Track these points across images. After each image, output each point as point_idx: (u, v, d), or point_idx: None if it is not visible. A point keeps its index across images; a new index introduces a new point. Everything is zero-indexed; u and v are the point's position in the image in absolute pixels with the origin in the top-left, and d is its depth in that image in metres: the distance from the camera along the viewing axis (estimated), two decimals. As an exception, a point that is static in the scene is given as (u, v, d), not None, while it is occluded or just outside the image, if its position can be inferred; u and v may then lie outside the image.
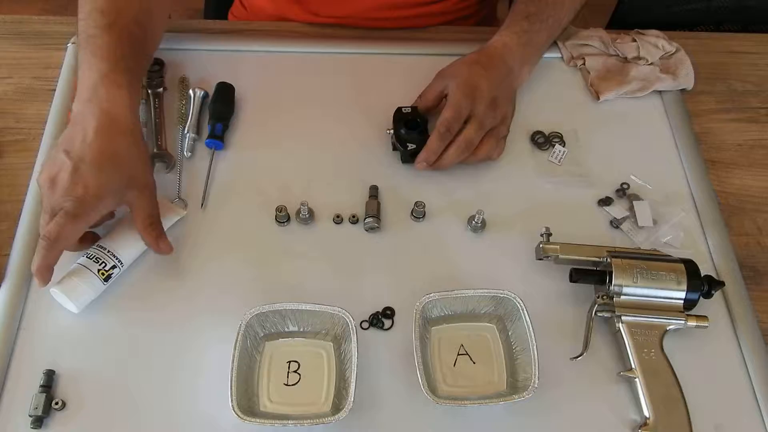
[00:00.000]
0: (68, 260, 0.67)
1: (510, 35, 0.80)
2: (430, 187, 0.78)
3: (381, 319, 0.69)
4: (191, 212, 0.75)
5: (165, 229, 0.69)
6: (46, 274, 0.63)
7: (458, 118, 0.74)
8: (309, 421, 0.60)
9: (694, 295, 0.67)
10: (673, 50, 0.90)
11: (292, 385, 0.65)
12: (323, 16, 0.91)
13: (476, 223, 0.74)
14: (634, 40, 0.90)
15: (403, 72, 0.86)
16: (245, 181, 0.77)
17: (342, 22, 0.91)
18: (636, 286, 0.67)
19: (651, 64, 0.88)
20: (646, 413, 0.64)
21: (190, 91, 0.82)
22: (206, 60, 0.86)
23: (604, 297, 0.68)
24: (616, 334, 0.68)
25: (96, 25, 0.69)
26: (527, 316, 0.64)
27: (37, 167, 0.76)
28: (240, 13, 1.04)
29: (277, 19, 0.95)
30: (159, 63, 0.85)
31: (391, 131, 0.77)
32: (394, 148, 0.80)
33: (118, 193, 0.65)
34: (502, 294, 0.66)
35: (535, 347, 0.63)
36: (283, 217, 0.74)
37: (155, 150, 0.78)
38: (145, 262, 0.71)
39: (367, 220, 0.73)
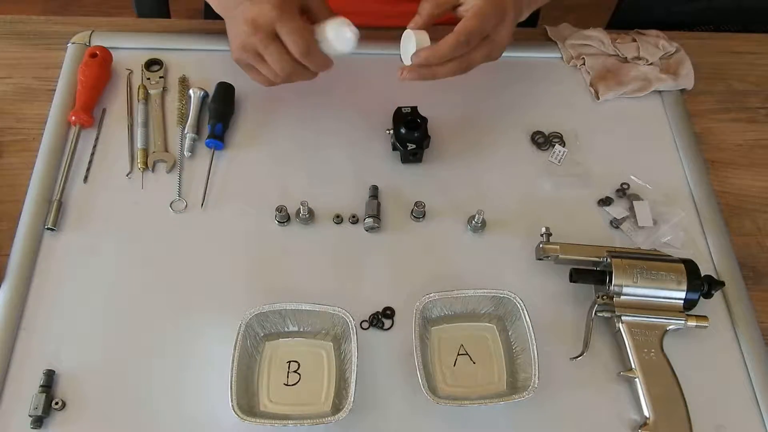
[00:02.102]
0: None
1: None
2: (430, 187, 0.78)
3: (381, 319, 0.69)
4: (191, 212, 0.75)
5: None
6: (327, 62, 0.71)
7: (482, 32, 0.69)
8: (309, 421, 0.60)
9: (694, 295, 0.67)
10: (673, 50, 0.90)
11: (292, 385, 0.65)
12: None
13: (476, 223, 0.74)
14: (634, 40, 0.90)
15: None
16: (245, 181, 0.77)
17: None
18: (636, 286, 0.67)
19: (651, 64, 0.88)
20: (646, 413, 0.64)
21: (190, 91, 0.82)
22: (206, 60, 0.86)
23: (604, 297, 0.68)
24: (616, 334, 0.68)
25: None
26: (527, 316, 0.64)
27: (38, 167, 0.76)
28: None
29: None
30: (159, 63, 0.85)
31: (391, 131, 0.77)
32: (394, 148, 0.80)
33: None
34: (502, 294, 0.66)
35: (535, 347, 0.63)
36: (283, 217, 0.74)
37: (155, 150, 0.78)
38: (145, 261, 0.71)
39: (367, 220, 0.73)
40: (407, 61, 0.71)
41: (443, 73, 0.71)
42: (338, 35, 0.69)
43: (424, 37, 0.70)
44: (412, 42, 0.70)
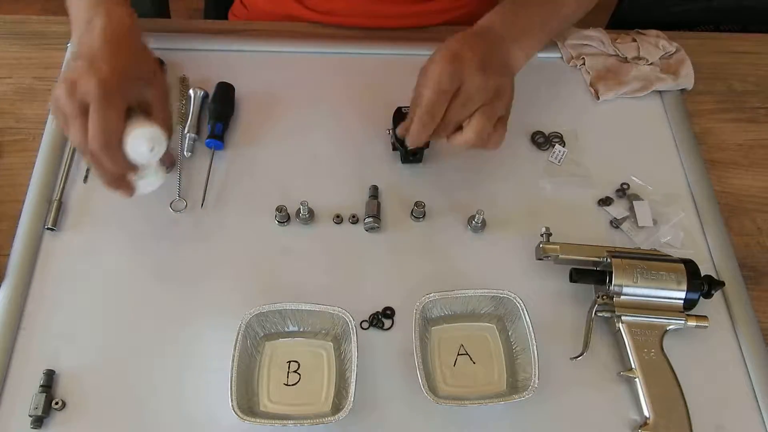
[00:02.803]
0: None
1: (493, 15, 0.73)
2: (430, 187, 0.78)
3: (381, 319, 0.69)
4: (191, 212, 0.75)
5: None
6: (122, 182, 0.63)
7: (441, 95, 0.63)
8: (309, 421, 0.60)
9: (694, 295, 0.67)
10: (673, 50, 0.90)
11: (292, 385, 0.65)
12: (321, 13, 0.91)
13: (476, 223, 0.74)
14: (634, 40, 0.90)
15: (403, 72, 0.85)
16: (245, 181, 0.77)
17: (340, 22, 0.91)
18: (636, 286, 0.67)
19: (651, 64, 0.88)
20: (646, 413, 0.64)
21: (190, 91, 0.82)
22: (206, 60, 0.86)
23: (604, 297, 0.68)
24: (616, 334, 0.68)
25: None
26: (527, 316, 0.64)
27: (38, 167, 0.76)
28: (240, 12, 1.04)
29: (275, 17, 0.95)
30: (159, 63, 0.85)
31: (391, 131, 0.77)
32: (394, 148, 0.80)
33: (136, 82, 0.64)
34: (502, 294, 0.66)
35: (535, 347, 0.63)
36: (283, 217, 0.74)
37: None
38: (146, 261, 0.71)
39: (367, 220, 0.73)
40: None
41: (435, 140, 0.68)
42: (134, 144, 0.62)
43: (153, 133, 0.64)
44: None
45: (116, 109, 0.61)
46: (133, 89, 0.64)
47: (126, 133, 0.62)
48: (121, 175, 0.64)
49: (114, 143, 0.61)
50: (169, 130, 0.66)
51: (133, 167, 0.64)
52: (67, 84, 0.61)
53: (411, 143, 0.68)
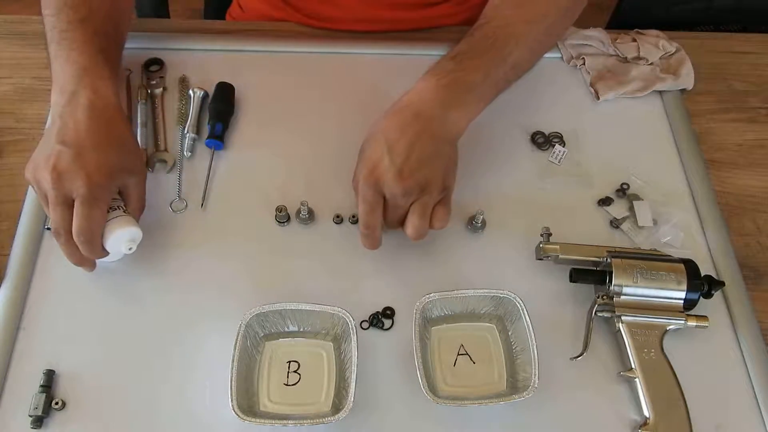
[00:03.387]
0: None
1: (428, 79, 0.68)
2: (430, 187, 0.78)
3: (381, 319, 0.69)
4: (191, 212, 0.75)
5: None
6: (93, 266, 0.67)
7: (371, 208, 0.65)
8: (309, 421, 0.60)
9: (694, 295, 0.67)
10: (674, 50, 0.90)
11: (292, 385, 0.65)
12: (317, 19, 0.91)
13: (476, 223, 0.74)
14: (634, 40, 0.90)
15: (404, 72, 0.85)
16: (245, 181, 0.77)
17: (336, 27, 0.91)
18: (636, 286, 0.67)
19: (651, 64, 0.88)
20: (646, 413, 0.64)
21: (190, 91, 0.82)
22: (206, 60, 0.86)
23: (604, 297, 0.68)
24: (616, 334, 0.68)
25: (69, 20, 0.69)
26: (527, 316, 0.64)
27: (37, 167, 0.76)
28: (237, 14, 1.04)
29: (272, 20, 0.95)
30: (159, 63, 0.85)
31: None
32: None
33: (120, 175, 0.65)
34: (502, 294, 0.66)
35: (535, 347, 0.63)
36: (283, 217, 0.74)
37: (155, 150, 0.78)
38: (145, 261, 0.71)
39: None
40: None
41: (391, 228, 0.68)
42: (114, 242, 0.65)
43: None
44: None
45: (101, 208, 0.63)
46: (118, 181, 0.66)
47: (107, 228, 0.64)
48: (94, 260, 0.67)
49: (97, 240, 0.64)
50: (139, 215, 0.69)
51: (105, 254, 0.66)
52: (54, 174, 0.61)
53: (367, 247, 0.69)
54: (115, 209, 0.66)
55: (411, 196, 0.65)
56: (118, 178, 0.65)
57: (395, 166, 0.64)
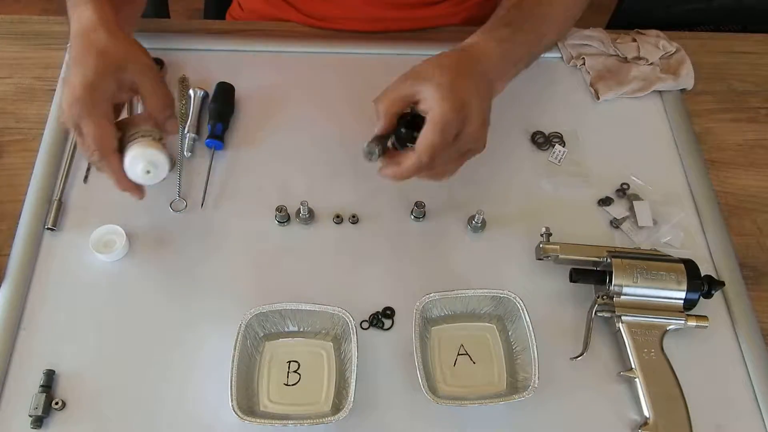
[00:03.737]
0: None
1: (489, 42, 0.70)
2: (430, 187, 0.78)
3: (381, 319, 0.69)
4: (191, 212, 0.75)
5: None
6: (125, 182, 0.64)
7: (446, 143, 0.63)
8: (309, 421, 0.60)
9: (694, 295, 0.67)
10: (674, 50, 0.90)
11: (292, 385, 0.65)
12: (317, 18, 0.91)
13: (476, 223, 0.74)
14: (634, 40, 0.90)
15: (403, 72, 0.86)
16: (245, 181, 0.77)
17: (336, 27, 0.91)
18: (636, 286, 0.67)
19: (651, 64, 0.88)
20: (646, 413, 0.64)
21: (190, 91, 0.82)
22: (206, 60, 0.86)
23: (604, 297, 0.68)
24: (616, 334, 0.68)
25: None
26: (527, 316, 0.64)
27: (38, 167, 0.76)
28: (237, 14, 1.04)
29: (272, 20, 0.95)
30: (159, 63, 0.85)
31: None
32: (394, 148, 0.80)
33: (107, 77, 0.62)
34: (502, 294, 0.66)
35: (535, 347, 0.63)
36: (283, 217, 0.74)
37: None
38: (145, 261, 0.71)
39: (370, 143, 0.66)
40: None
41: (410, 177, 0.66)
42: (130, 164, 0.63)
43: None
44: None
45: (95, 121, 0.61)
46: (109, 84, 0.62)
47: (126, 151, 0.64)
48: (122, 175, 0.65)
49: (109, 156, 0.62)
50: (164, 118, 0.66)
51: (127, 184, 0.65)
52: (60, 110, 0.63)
53: (395, 176, 0.65)
54: (143, 136, 0.64)
55: (477, 144, 0.66)
56: (105, 81, 0.62)
57: (484, 113, 0.65)
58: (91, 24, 0.63)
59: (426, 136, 0.63)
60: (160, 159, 0.64)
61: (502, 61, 0.70)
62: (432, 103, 0.63)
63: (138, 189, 0.66)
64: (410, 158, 0.64)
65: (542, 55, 0.89)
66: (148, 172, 0.64)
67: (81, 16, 0.64)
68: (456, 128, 0.63)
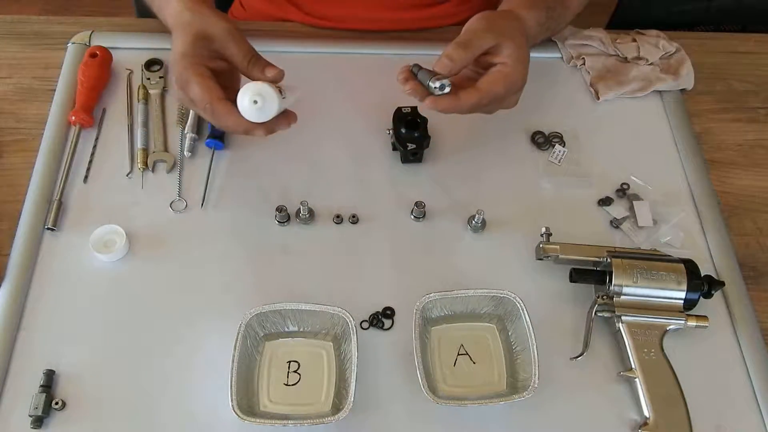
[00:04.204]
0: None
1: (531, 22, 0.75)
2: (430, 187, 0.78)
3: (381, 319, 0.69)
4: (191, 212, 0.75)
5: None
6: (242, 122, 0.66)
7: (505, 96, 0.70)
8: (309, 421, 0.60)
9: (694, 295, 0.67)
10: (674, 50, 0.90)
11: (292, 385, 0.65)
12: (318, 18, 0.92)
13: (476, 223, 0.74)
14: (634, 40, 0.90)
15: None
16: (245, 181, 0.77)
17: (337, 26, 0.91)
18: (636, 286, 0.67)
19: (651, 64, 0.88)
20: (646, 413, 0.64)
21: (190, 91, 0.82)
22: (206, 60, 0.86)
23: (604, 297, 0.68)
24: (616, 334, 0.68)
25: None
26: (527, 316, 0.64)
27: (38, 167, 0.76)
28: (239, 13, 1.05)
29: (273, 20, 0.96)
30: (159, 63, 0.85)
31: (391, 131, 0.77)
32: (394, 148, 0.80)
33: (198, 42, 0.67)
34: (502, 294, 0.66)
35: (535, 347, 0.63)
36: (283, 217, 0.74)
37: (154, 150, 0.78)
38: (145, 261, 0.71)
39: (439, 77, 0.67)
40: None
41: (453, 111, 0.69)
42: (240, 100, 0.64)
43: None
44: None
45: (196, 80, 0.65)
46: (204, 54, 0.68)
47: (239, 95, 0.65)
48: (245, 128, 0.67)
49: (213, 101, 0.65)
50: (255, 70, 0.68)
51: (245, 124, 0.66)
52: (174, 92, 0.72)
53: (453, 108, 0.68)
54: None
55: (509, 107, 0.73)
56: (195, 47, 0.67)
57: (523, 81, 0.71)
58: (178, 10, 0.70)
59: (495, 83, 0.68)
60: (268, 91, 0.65)
61: (533, 42, 0.76)
62: (508, 60, 0.68)
63: (261, 126, 0.66)
64: (472, 97, 0.67)
65: (542, 55, 0.90)
66: (255, 102, 0.64)
67: (172, 10, 0.71)
68: (517, 87, 0.70)
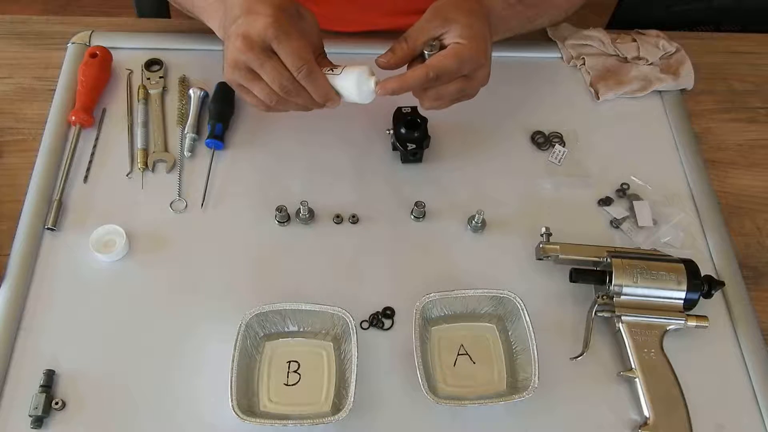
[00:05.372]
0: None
1: (498, 2, 0.74)
2: (430, 187, 0.78)
3: (381, 319, 0.69)
4: (191, 212, 0.75)
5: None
6: (329, 91, 0.65)
7: (456, 73, 0.66)
8: (309, 421, 0.60)
9: (694, 295, 0.67)
10: (673, 50, 0.90)
11: (292, 385, 0.65)
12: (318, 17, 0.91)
13: (476, 223, 0.74)
14: (634, 40, 0.90)
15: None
16: (245, 181, 0.77)
17: (329, 27, 0.90)
18: (636, 286, 0.67)
19: (651, 64, 0.88)
20: (646, 413, 0.64)
21: (190, 91, 0.82)
22: (206, 60, 0.86)
23: (604, 297, 0.68)
24: (616, 334, 0.68)
25: None
26: (527, 316, 0.64)
27: (38, 167, 0.76)
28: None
29: None
30: (159, 63, 0.85)
31: (391, 131, 0.77)
32: (394, 148, 0.80)
33: (290, 9, 0.64)
34: (502, 294, 0.66)
35: (535, 347, 0.63)
36: (283, 217, 0.74)
37: (154, 150, 0.78)
38: (145, 261, 0.71)
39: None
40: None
41: (404, 91, 0.67)
42: (359, 84, 0.65)
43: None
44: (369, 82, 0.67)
45: (298, 38, 0.62)
46: (294, 21, 0.64)
47: (341, 76, 0.65)
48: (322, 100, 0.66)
49: (315, 68, 0.63)
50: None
51: (334, 95, 0.66)
52: (240, 39, 0.61)
53: (395, 89, 0.66)
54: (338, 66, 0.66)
55: (471, 94, 0.70)
56: (290, 12, 0.63)
57: (489, 70, 0.69)
58: None
59: (443, 58, 0.65)
60: (372, 75, 0.66)
61: (498, 22, 0.73)
62: (460, 39, 0.66)
63: (337, 99, 0.66)
64: (419, 69, 0.65)
65: (542, 55, 0.90)
66: (376, 83, 0.65)
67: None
68: (469, 68, 0.66)
